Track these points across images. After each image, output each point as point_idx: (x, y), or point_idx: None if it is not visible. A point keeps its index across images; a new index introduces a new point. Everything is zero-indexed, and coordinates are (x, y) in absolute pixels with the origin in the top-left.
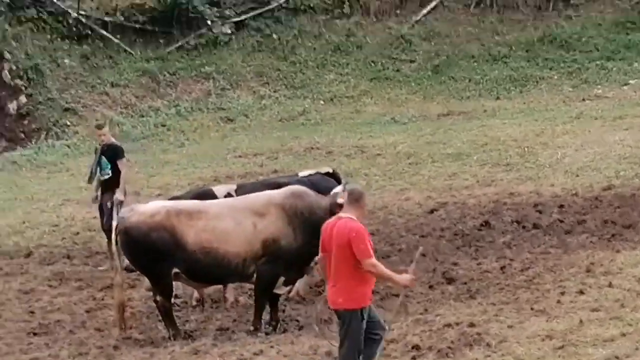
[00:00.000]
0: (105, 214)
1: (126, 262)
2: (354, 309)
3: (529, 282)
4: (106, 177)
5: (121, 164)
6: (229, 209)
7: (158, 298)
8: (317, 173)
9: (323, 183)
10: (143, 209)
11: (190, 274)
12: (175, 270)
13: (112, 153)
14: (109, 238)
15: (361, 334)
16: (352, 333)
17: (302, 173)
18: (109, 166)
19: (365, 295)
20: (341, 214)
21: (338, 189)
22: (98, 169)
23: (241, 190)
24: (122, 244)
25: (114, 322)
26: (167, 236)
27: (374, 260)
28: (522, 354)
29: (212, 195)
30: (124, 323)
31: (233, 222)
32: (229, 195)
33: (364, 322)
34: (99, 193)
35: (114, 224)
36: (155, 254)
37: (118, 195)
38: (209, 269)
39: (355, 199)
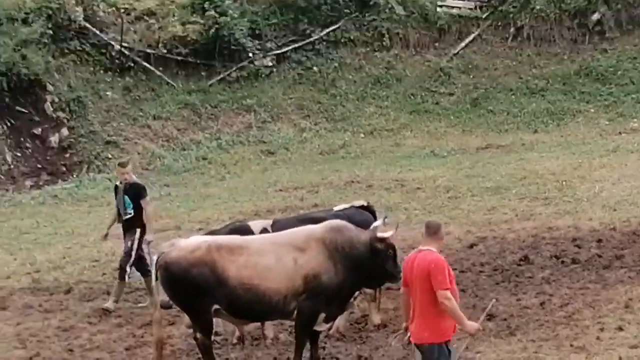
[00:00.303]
0: (124, 252)
1: (162, 298)
2: (439, 342)
3: (568, 318)
4: (128, 216)
5: (145, 203)
6: (270, 245)
7: (198, 335)
8: (352, 206)
9: (358, 216)
10: (183, 244)
11: (231, 310)
12: (216, 306)
13: (135, 192)
14: (121, 277)
15: None
16: None
17: (337, 207)
18: (132, 205)
19: (449, 328)
20: (421, 247)
21: (378, 222)
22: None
23: (277, 225)
24: (162, 280)
25: None
26: (207, 272)
27: (449, 293)
28: None
29: (249, 231)
30: None
31: (274, 257)
32: (265, 230)
33: (451, 355)
34: (109, 231)
35: (154, 258)
36: (195, 290)
37: (147, 236)
38: (250, 306)
39: (434, 231)
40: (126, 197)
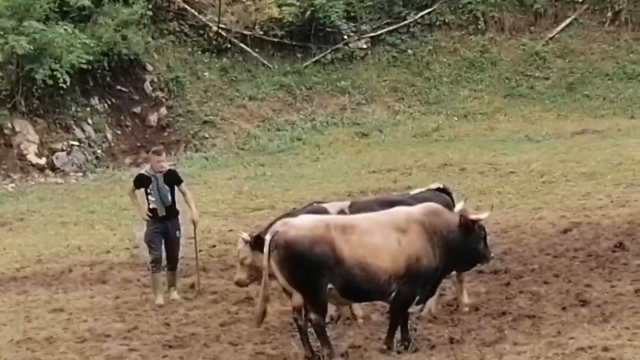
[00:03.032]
0: (172, 242)
1: (237, 276)
2: None
3: None
4: (168, 204)
5: (183, 187)
6: (375, 224)
7: (313, 316)
8: (428, 189)
9: (435, 199)
10: (300, 222)
11: (343, 290)
12: (330, 286)
13: (173, 179)
14: (172, 267)
15: None
16: None
17: (414, 191)
18: (170, 191)
19: None
20: None
21: (461, 204)
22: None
23: (354, 207)
24: (282, 258)
25: (248, 337)
26: (328, 250)
27: None
28: None
29: (326, 212)
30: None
31: (381, 237)
32: (342, 212)
33: None
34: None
35: (267, 238)
36: (316, 268)
37: (194, 217)
38: (361, 285)
39: None
40: (166, 185)
